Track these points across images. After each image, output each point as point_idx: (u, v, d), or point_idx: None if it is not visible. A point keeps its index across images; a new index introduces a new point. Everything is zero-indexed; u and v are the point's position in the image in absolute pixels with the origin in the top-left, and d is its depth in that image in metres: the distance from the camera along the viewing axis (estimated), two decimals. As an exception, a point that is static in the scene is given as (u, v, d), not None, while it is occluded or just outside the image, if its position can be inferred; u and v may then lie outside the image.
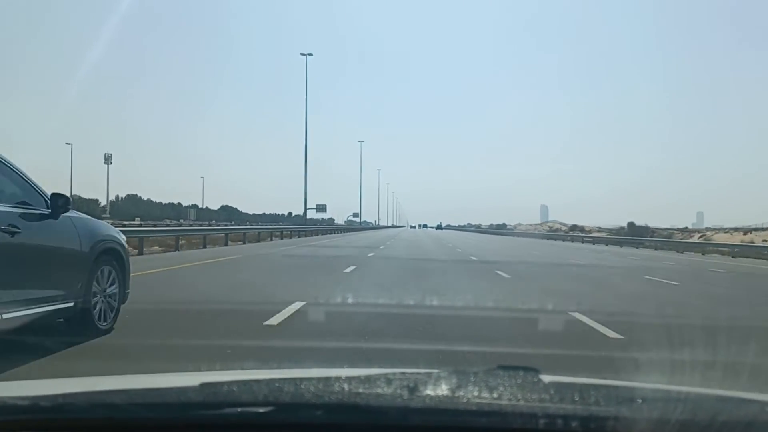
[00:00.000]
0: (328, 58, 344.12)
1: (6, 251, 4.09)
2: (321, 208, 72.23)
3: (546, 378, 1.30)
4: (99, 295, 5.06)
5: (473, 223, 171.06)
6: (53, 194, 4.71)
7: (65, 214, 4.79)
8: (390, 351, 5.07)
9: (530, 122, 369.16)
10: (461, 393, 1.12)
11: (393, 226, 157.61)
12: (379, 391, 1.14)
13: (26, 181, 4.62)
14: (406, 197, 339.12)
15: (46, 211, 4.65)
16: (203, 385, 1.19)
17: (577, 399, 1.14)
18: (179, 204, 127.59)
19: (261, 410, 1.08)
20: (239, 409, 1.09)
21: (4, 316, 3.98)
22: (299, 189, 58.56)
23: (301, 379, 1.20)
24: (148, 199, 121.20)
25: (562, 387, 1.24)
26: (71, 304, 4.66)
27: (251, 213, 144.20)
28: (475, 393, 1.12)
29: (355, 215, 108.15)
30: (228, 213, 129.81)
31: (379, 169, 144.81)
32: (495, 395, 1.11)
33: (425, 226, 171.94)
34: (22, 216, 4.36)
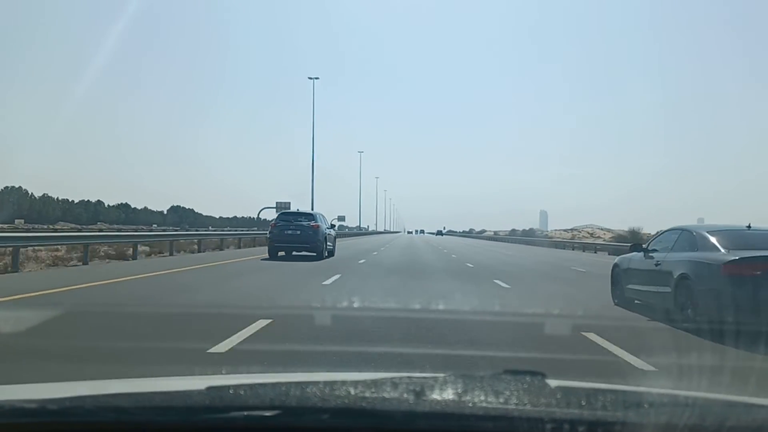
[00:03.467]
0: (325, 60, 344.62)
1: (331, 237, 21.73)
2: (284, 208, 56.05)
3: (553, 382, 1.30)
4: (334, 247, 22.47)
5: (476, 229, 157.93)
6: (332, 224, 24.35)
7: (334, 227, 25.04)
8: None
9: (530, 128, 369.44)
10: (468, 397, 1.12)
11: (386, 232, 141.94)
12: (385, 395, 1.14)
13: (325, 218, 22.18)
14: (403, 202, 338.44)
15: (330, 226, 22.72)
16: (210, 389, 1.19)
17: (584, 404, 1.13)
18: (99, 203, 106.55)
19: (267, 414, 1.08)
20: (245, 413, 1.09)
21: (331, 246, 21.61)
22: (274, 190, 54.86)
23: (307, 383, 1.21)
24: (44, 195, 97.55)
25: (569, 391, 1.24)
26: (332, 247, 21.76)
27: (217, 216, 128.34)
28: (482, 397, 1.12)
29: (341, 218, 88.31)
30: (179, 215, 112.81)
31: (361, 151, 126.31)
32: (501, 400, 1.11)
33: (422, 231, 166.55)
34: (328, 229, 21.69)
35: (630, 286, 9.14)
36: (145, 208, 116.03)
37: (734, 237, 7.75)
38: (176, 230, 30.07)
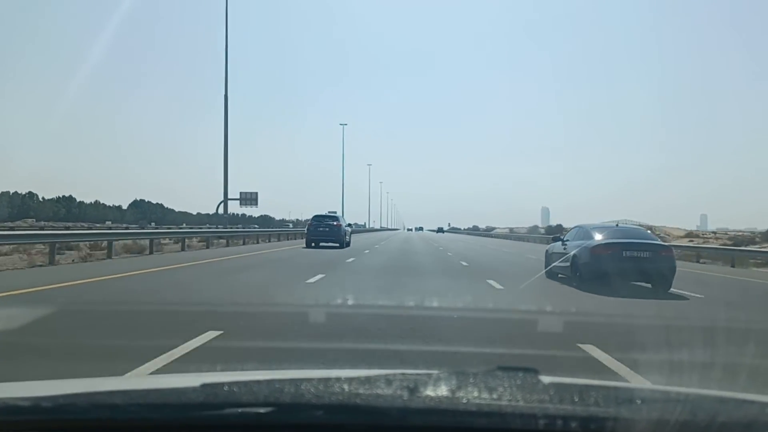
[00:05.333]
0: (324, 59, 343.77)
1: (348, 232, 29.31)
2: (248, 200, 46.93)
3: (545, 379, 1.31)
4: (350, 239, 29.63)
5: (481, 226, 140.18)
6: (348, 223, 32.75)
7: (348, 224, 31.97)
8: None
9: (531, 125, 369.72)
10: (461, 394, 1.13)
11: (382, 229, 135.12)
12: (380, 391, 1.14)
13: (344, 219, 30.78)
14: (403, 200, 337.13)
15: (348, 225, 31.08)
16: (204, 386, 1.19)
17: (576, 400, 1.14)
18: (30, 195, 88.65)
19: (261, 411, 1.08)
20: (240, 410, 1.09)
21: (348, 240, 29.09)
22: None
23: (302, 380, 1.21)
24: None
25: (562, 388, 1.25)
26: (348, 240, 29.07)
27: (194, 213, 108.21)
28: (475, 394, 1.13)
29: (331, 213, 72.56)
30: (142, 211, 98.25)
31: (344, 123, 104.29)
32: (495, 396, 1.12)
33: (420, 228, 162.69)
34: (346, 226, 29.59)
35: (553, 264, 13.38)
36: (96, 203, 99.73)
37: (606, 231, 12.18)
38: (109, 229, 28.29)
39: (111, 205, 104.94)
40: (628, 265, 10.99)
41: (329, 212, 29.81)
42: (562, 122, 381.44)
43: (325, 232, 26.95)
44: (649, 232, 14.15)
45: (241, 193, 46.80)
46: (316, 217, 28.60)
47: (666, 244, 13.79)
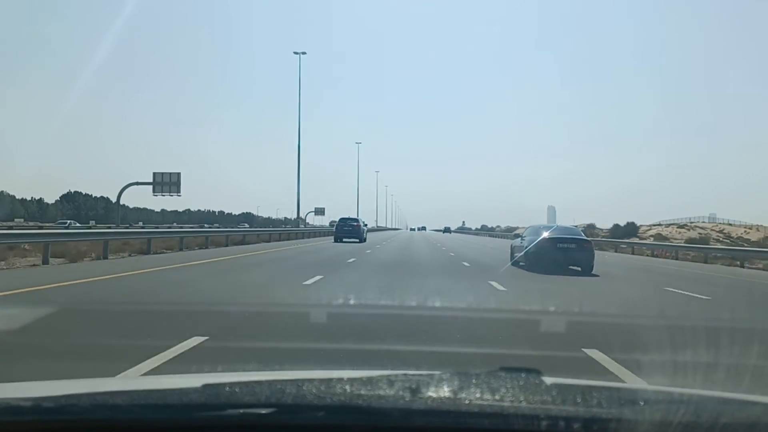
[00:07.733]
0: (326, 59, 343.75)
1: (364, 230, 39.14)
2: (165, 183, 34.96)
3: (548, 380, 1.31)
4: (366, 236, 38.50)
5: (489, 225, 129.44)
6: (365, 223, 44.06)
7: (365, 224, 42.90)
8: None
9: (536, 123, 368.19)
10: (463, 395, 1.13)
11: (379, 228, 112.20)
12: (381, 392, 1.14)
13: (362, 220, 42.47)
14: (407, 200, 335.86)
15: (365, 224, 41.87)
16: (205, 387, 1.19)
17: (579, 401, 1.14)
18: None
19: (263, 412, 1.08)
20: (241, 411, 1.09)
21: (365, 237, 38.18)
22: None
23: (303, 381, 1.21)
24: None
25: (565, 389, 1.25)
26: (365, 237, 38.00)
27: (158, 209, 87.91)
28: (477, 395, 1.13)
29: (319, 211, 73.49)
30: (76, 206, 79.27)
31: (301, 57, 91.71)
32: (497, 397, 1.12)
33: (423, 228, 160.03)
34: (364, 226, 39.99)
35: (515, 255, 17.43)
36: (2, 194, 77.05)
37: (549, 229, 16.56)
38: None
39: (29, 198, 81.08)
40: (561, 254, 15.21)
41: (315, 210, 33.44)
42: (568, 121, 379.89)
43: (348, 230, 36.22)
44: (580, 229, 18.71)
45: (154, 174, 34.33)
46: (341, 219, 38.88)
47: (588, 238, 17.65)
